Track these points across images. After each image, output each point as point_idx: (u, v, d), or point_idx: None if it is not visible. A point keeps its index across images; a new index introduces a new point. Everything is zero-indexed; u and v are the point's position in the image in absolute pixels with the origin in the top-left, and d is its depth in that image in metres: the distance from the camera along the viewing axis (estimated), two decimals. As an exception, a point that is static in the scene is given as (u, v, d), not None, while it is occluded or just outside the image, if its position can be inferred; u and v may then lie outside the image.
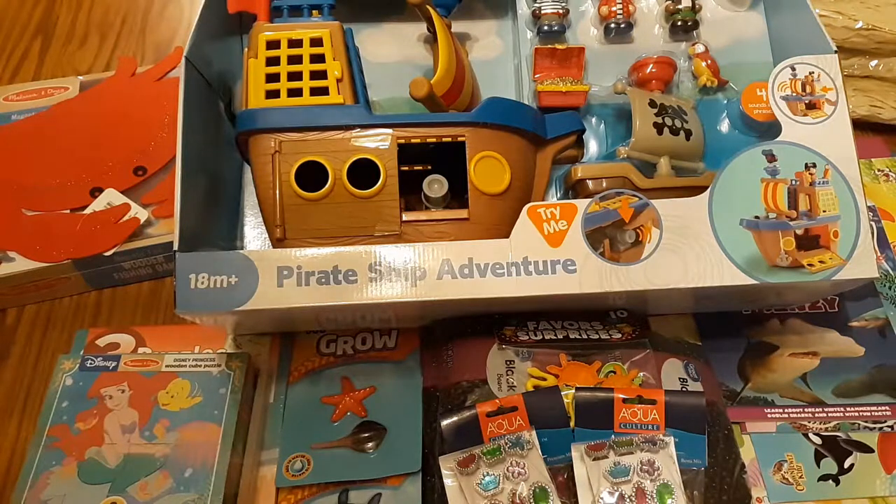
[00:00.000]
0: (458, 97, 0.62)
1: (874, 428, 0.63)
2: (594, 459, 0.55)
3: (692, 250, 0.54)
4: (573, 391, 0.58)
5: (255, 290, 0.52)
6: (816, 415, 0.63)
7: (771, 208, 0.55)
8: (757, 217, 0.55)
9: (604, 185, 0.60)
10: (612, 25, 0.69)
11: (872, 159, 0.80)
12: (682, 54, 0.69)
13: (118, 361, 0.63)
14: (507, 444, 0.55)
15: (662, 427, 0.56)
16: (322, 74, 0.58)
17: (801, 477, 0.61)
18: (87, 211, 0.70)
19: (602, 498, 0.54)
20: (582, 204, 0.55)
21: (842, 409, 0.64)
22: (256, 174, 0.57)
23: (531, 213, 0.55)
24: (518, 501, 0.53)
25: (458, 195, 0.59)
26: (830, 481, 0.61)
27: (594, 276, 0.53)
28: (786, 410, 0.64)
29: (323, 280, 0.52)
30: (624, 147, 0.62)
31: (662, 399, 0.57)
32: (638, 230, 0.55)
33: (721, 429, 0.59)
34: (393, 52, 0.71)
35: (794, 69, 0.59)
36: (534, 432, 0.56)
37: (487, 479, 0.54)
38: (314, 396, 0.62)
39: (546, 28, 0.68)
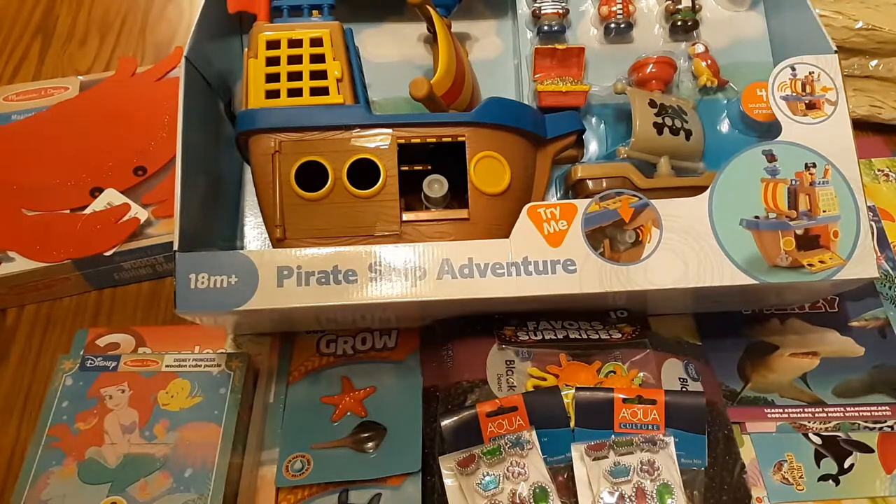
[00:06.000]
0: (458, 97, 0.62)
1: (874, 428, 0.63)
2: (594, 459, 0.55)
3: (692, 250, 0.54)
4: (573, 391, 0.58)
5: (255, 290, 0.52)
6: (816, 415, 0.63)
7: (771, 208, 0.55)
8: (757, 217, 0.55)
9: (604, 185, 0.60)
10: (612, 25, 0.69)
11: (872, 159, 0.80)
12: (682, 54, 0.69)
13: (118, 361, 0.63)
14: (507, 444, 0.55)
15: (662, 427, 0.56)
16: (322, 74, 0.58)
17: (801, 477, 0.61)
18: (87, 211, 0.70)
19: (602, 498, 0.54)
20: (582, 204, 0.55)
21: (842, 409, 0.64)
22: (256, 174, 0.57)
23: (531, 213, 0.55)
24: (518, 501, 0.53)
25: (458, 195, 0.59)
26: (830, 481, 0.61)
27: (594, 276, 0.53)
28: (786, 410, 0.64)
29: (323, 280, 0.52)
30: (624, 147, 0.62)
31: (662, 399, 0.57)
32: (638, 230, 0.55)
33: (721, 429, 0.59)
34: (393, 52, 0.71)
35: (794, 69, 0.59)
36: (534, 432, 0.56)
37: (487, 479, 0.54)
38: (314, 396, 0.62)
39: (546, 28, 0.68)
